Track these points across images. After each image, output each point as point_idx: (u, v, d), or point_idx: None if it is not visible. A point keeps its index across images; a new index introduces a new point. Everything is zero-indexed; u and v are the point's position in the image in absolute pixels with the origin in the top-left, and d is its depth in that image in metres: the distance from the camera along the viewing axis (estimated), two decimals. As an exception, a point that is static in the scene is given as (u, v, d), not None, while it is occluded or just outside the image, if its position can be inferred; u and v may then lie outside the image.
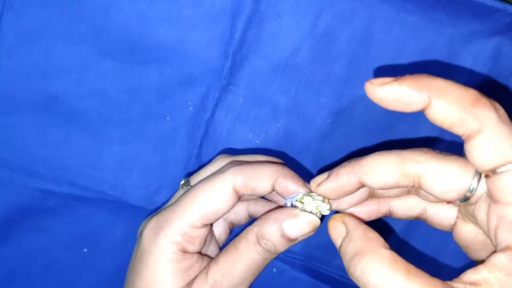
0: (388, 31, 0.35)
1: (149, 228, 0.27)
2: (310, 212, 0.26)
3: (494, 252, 0.21)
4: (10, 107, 0.35)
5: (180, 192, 0.30)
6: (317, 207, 0.26)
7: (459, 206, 0.26)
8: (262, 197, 0.30)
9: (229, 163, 0.29)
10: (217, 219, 0.27)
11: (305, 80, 0.36)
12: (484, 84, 0.36)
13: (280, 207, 0.29)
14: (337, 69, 0.36)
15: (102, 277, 0.40)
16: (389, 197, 0.27)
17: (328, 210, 0.26)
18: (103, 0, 0.33)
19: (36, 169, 0.37)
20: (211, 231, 0.30)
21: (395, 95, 0.22)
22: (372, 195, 0.27)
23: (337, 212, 0.28)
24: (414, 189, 0.26)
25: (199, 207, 0.26)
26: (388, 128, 0.37)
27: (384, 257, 0.21)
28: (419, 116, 0.37)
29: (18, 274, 0.39)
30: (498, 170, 0.20)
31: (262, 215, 0.27)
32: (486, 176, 0.21)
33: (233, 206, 0.27)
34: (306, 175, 0.34)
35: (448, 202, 0.26)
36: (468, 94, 0.21)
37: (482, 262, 0.21)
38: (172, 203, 0.28)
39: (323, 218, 0.27)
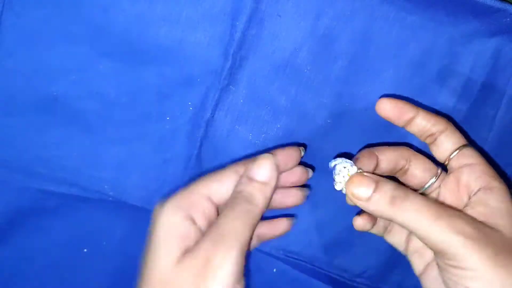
0: (388, 31, 0.35)
1: (159, 204, 0.30)
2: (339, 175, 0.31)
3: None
4: (10, 107, 0.35)
5: None
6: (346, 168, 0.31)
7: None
8: None
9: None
10: (222, 198, 0.30)
11: (305, 80, 0.36)
12: (484, 84, 0.36)
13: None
14: (337, 69, 0.36)
15: (102, 277, 0.40)
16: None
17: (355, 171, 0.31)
18: (103, 0, 0.33)
19: (36, 170, 0.37)
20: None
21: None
22: None
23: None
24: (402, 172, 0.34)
25: (203, 182, 0.30)
26: (388, 128, 0.37)
27: (418, 198, 0.28)
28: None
29: (18, 274, 0.39)
30: (451, 156, 0.32)
31: None
32: (448, 161, 0.32)
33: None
34: (306, 175, 0.35)
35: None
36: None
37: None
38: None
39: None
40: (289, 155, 0.32)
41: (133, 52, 0.35)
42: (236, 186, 0.30)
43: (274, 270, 0.40)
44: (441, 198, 0.33)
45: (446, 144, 0.32)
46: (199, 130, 0.37)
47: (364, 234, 0.39)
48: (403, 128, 0.34)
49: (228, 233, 0.27)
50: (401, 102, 0.32)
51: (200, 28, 0.34)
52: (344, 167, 0.31)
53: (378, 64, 0.36)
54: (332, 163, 0.32)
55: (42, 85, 0.35)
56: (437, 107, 0.37)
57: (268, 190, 0.29)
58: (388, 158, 0.33)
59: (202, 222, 0.29)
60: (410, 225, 0.28)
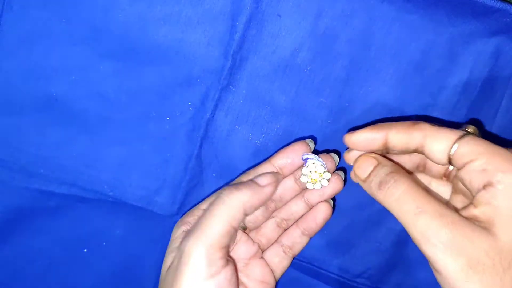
0: (388, 31, 0.35)
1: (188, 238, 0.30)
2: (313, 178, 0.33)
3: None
4: (10, 107, 0.35)
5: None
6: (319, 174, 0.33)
7: (452, 183, 0.32)
8: None
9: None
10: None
11: (305, 80, 0.36)
12: (484, 84, 0.36)
13: None
14: (337, 69, 0.36)
15: (102, 277, 0.40)
16: None
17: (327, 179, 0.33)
18: (102, 0, 0.33)
19: (36, 170, 0.37)
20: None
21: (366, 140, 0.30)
22: None
23: None
24: (422, 166, 0.33)
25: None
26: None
27: (410, 176, 0.29)
28: (420, 115, 0.37)
29: (18, 274, 0.39)
30: (451, 153, 0.27)
31: None
32: (449, 159, 0.27)
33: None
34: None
35: (446, 178, 0.32)
36: (405, 123, 0.29)
37: None
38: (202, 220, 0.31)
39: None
40: (294, 151, 0.33)
41: (133, 52, 0.35)
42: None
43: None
44: (453, 201, 0.31)
45: (436, 146, 0.28)
46: (199, 130, 0.37)
47: (364, 234, 0.39)
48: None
49: (197, 228, 0.29)
50: (367, 130, 0.30)
51: (200, 28, 0.34)
52: (313, 164, 0.32)
53: (378, 64, 0.36)
54: (304, 156, 0.33)
55: (42, 85, 0.35)
56: (437, 107, 0.37)
57: (243, 192, 0.30)
58: (398, 137, 0.30)
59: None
60: (393, 213, 0.28)
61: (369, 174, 0.30)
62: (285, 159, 0.33)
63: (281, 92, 0.36)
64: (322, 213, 0.34)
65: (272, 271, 0.34)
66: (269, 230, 0.35)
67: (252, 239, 0.34)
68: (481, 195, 0.26)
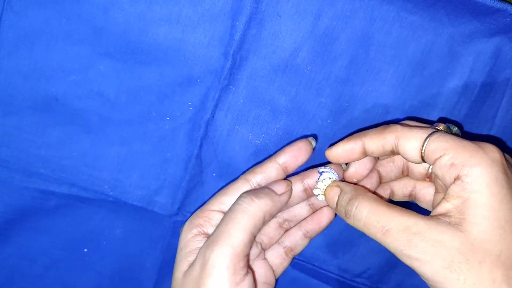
0: (388, 31, 0.35)
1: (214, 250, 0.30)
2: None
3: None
4: (10, 107, 0.35)
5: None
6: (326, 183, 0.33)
7: (434, 183, 0.33)
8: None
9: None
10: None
11: (305, 80, 0.36)
12: (484, 84, 0.36)
13: None
14: (337, 69, 0.36)
15: (102, 277, 0.40)
16: (390, 180, 0.35)
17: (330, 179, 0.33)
18: (103, 0, 0.33)
19: (36, 170, 0.37)
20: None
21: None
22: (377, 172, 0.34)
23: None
24: (405, 170, 0.34)
25: (215, 198, 0.33)
26: (388, 128, 0.37)
27: (371, 197, 0.29)
28: (420, 116, 0.37)
29: (18, 274, 0.39)
30: (422, 150, 0.28)
31: None
32: (421, 157, 0.29)
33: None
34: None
35: (428, 178, 0.34)
36: (378, 129, 0.31)
37: None
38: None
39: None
40: (299, 150, 0.34)
41: (133, 52, 0.35)
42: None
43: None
44: (436, 200, 0.33)
45: (408, 145, 0.29)
46: (199, 130, 0.37)
47: (364, 234, 0.39)
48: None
49: (220, 237, 0.29)
50: (345, 142, 0.32)
51: (200, 28, 0.34)
52: (329, 178, 0.33)
53: (378, 64, 0.36)
54: (320, 169, 0.34)
55: (42, 85, 0.35)
56: (437, 107, 0.37)
57: (264, 201, 0.31)
58: (373, 142, 0.31)
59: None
60: (367, 235, 0.29)
61: (336, 204, 0.31)
62: (290, 157, 0.34)
63: (281, 92, 0.36)
64: (326, 217, 0.35)
65: (273, 271, 0.34)
66: (271, 229, 0.35)
67: (255, 240, 0.34)
68: (451, 189, 0.27)
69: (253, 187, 0.33)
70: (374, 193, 0.34)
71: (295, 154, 0.33)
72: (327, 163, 0.34)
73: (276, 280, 0.35)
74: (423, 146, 0.28)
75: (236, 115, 0.37)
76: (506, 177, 0.26)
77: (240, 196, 0.31)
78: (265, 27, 0.34)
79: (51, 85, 0.35)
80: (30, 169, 0.37)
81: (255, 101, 0.36)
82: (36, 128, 0.36)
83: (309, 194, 0.34)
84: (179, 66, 0.35)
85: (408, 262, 0.26)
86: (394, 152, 0.30)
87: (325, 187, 0.33)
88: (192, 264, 0.30)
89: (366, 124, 0.37)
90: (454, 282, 0.25)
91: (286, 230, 0.35)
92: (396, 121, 0.37)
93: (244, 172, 0.35)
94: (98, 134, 0.37)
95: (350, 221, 0.30)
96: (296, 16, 0.34)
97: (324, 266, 0.40)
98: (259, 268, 0.34)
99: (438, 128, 0.30)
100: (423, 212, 0.29)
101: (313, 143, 0.34)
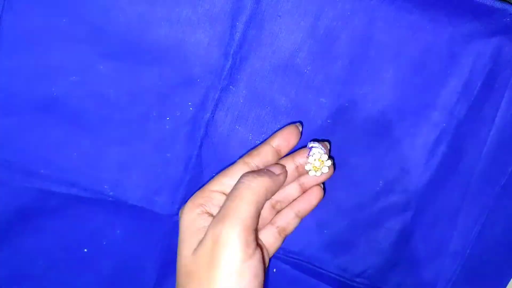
0: (388, 31, 0.35)
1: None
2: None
3: None
4: (10, 107, 0.35)
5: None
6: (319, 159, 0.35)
7: None
8: None
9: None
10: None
11: (305, 80, 0.36)
12: (484, 84, 0.36)
13: None
14: (337, 69, 0.36)
15: (102, 277, 0.40)
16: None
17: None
18: (103, 1, 0.33)
19: (36, 170, 0.37)
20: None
21: None
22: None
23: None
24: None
25: (215, 179, 0.34)
26: (388, 128, 0.37)
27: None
28: (420, 116, 0.37)
29: (18, 274, 0.39)
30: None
31: None
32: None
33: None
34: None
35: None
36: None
37: None
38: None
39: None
40: (290, 134, 0.35)
41: (133, 52, 0.35)
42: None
43: (274, 270, 0.40)
44: None
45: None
46: (199, 130, 0.37)
47: (364, 234, 0.39)
48: (403, 128, 0.34)
49: (228, 212, 0.30)
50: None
51: (200, 28, 0.34)
52: (319, 152, 0.34)
53: (378, 64, 0.36)
54: (309, 144, 0.35)
55: (42, 85, 0.35)
56: (437, 107, 0.37)
57: (266, 173, 0.32)
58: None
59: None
60: None
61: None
62: (282, 140, 0.35)
63: (281, 92, 0.36)
64: (316, 196, 0.36)
65: (267, 251, 0.35)
66: (264, 210, 0.36)
67: None
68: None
69: (252, 168, 0.34)
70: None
71: (287, 138, 0.35)
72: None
73: (269, 259, 0.36)
74: None
75: (236, 115, 0.37)
76: None
77: (242, 176, 0.32)
78: (265, 27, 0.34)
79: (51, 85, 0.35)
80: (30, 169, 0.37)
81: (255, 101, 0.36)
82: (36, 128, 0.36)
83: (300, 172, 0.35)
84: (179, 66, 0.35)
85: None
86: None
87: (314, 162, 0.34)
88: (201, 241, 0.31)
89: (366, 124, 0.37)
90: None
91: (278, 211, 0.36)
92: (396, 121, 0.37)
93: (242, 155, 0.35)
94: (98, 134, 0.37)
95: None
96: (296, 16, 0.34)
97: (324, 266, 0.40)
98: None
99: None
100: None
101: (300, 128, 0.36)
